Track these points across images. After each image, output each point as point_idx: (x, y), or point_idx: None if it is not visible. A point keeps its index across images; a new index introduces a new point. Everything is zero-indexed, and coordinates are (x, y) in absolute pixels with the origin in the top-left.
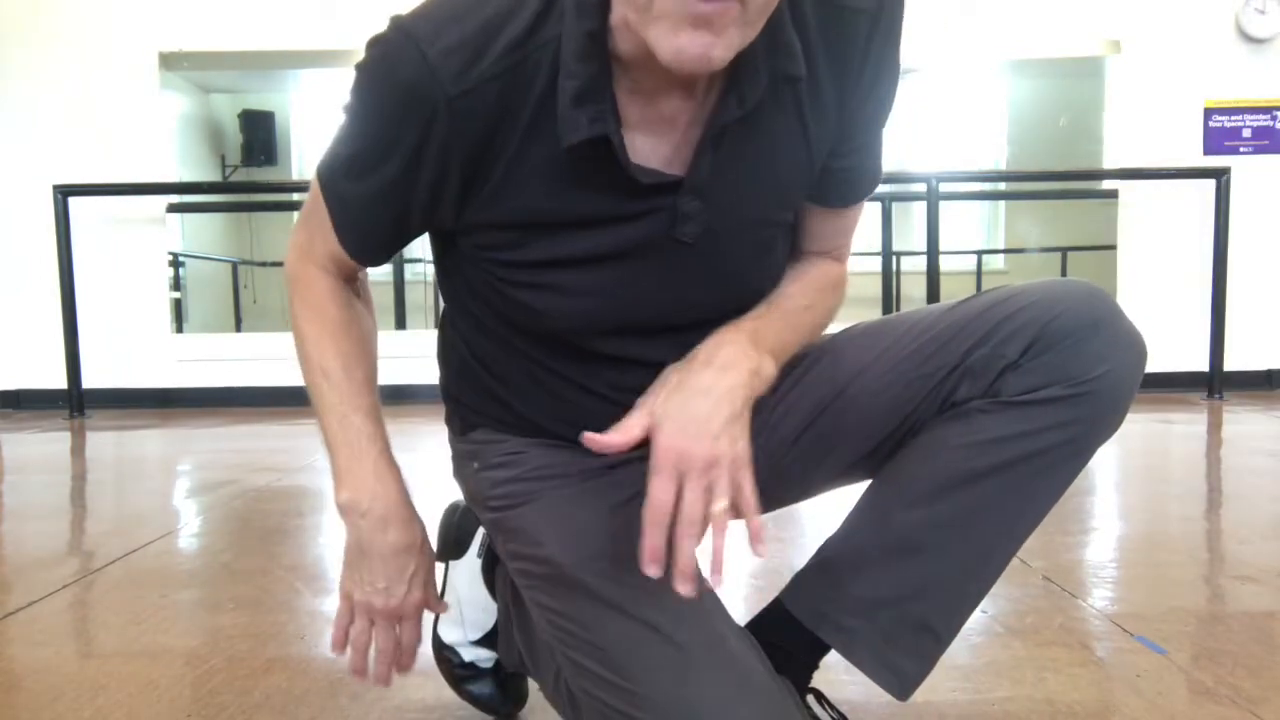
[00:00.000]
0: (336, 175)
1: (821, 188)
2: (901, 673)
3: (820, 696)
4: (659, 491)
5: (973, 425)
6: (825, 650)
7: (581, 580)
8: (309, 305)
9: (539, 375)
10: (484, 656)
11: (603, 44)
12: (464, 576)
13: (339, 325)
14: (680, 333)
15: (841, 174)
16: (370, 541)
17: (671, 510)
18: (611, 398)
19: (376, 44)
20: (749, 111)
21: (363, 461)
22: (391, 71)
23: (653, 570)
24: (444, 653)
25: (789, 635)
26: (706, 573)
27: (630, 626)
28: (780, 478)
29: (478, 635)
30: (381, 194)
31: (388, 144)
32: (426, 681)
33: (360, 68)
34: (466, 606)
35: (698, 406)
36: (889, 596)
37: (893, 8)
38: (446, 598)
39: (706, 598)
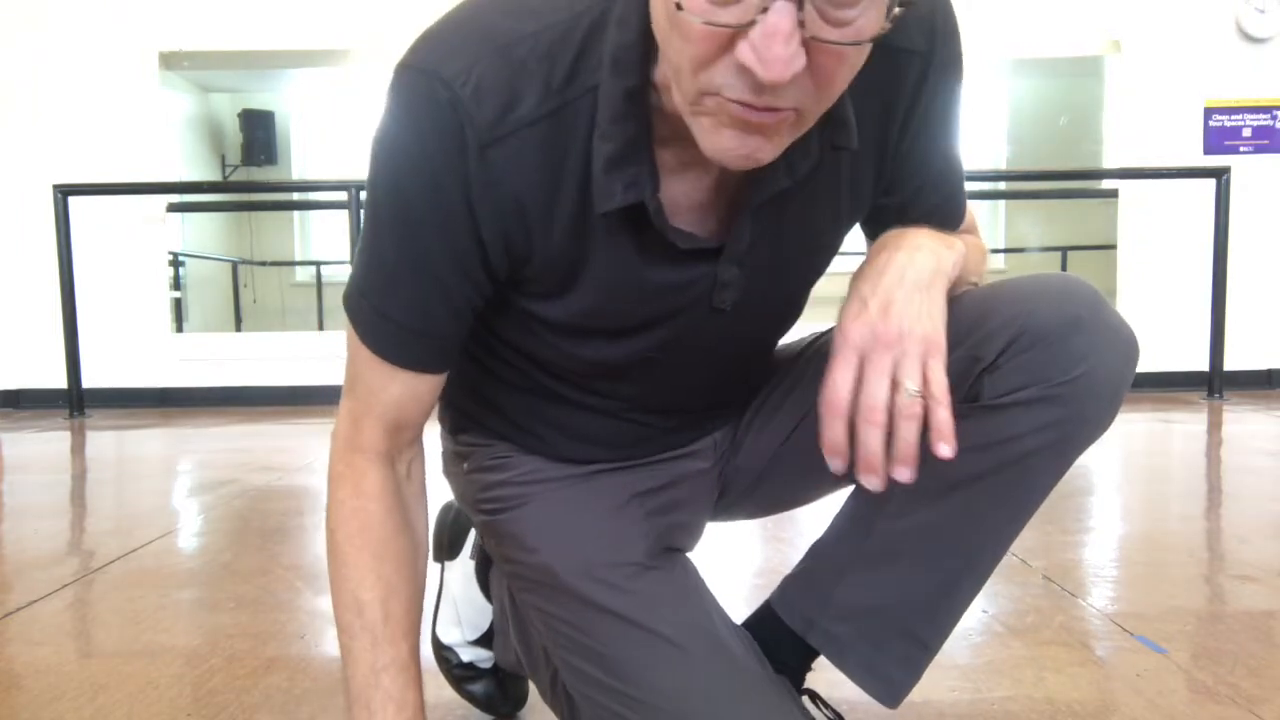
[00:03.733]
0: (376, 280)
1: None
2: (890, 681)
3: (815, 697)
4: (836, 376)
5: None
6: (816, 654)
7: (576, 588)
8: (350, 513)
9: (539, 391)
10: (483, 656)
11: (642, 101)
12: (458, 577)
13: (382, 539)
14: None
15: (899, 219)
16: None
17: (850, 398)
18: (614, 412)
19: (398, 91)
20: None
21: None
22: (419, 120)
23: (837, 464)
24: (443, 653)
25: (780, 638)
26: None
27: (629, 631)
28: (772, 479)
29: (475, 635)
30: (433, 269)
31: (428, 207)
32: (426, 681)
33: (381, 132)
34: (463, 607)
35: (880, 283)
36: (875, 604)
37: (946, 42)
38: (442, 599)
39: (704, 597)
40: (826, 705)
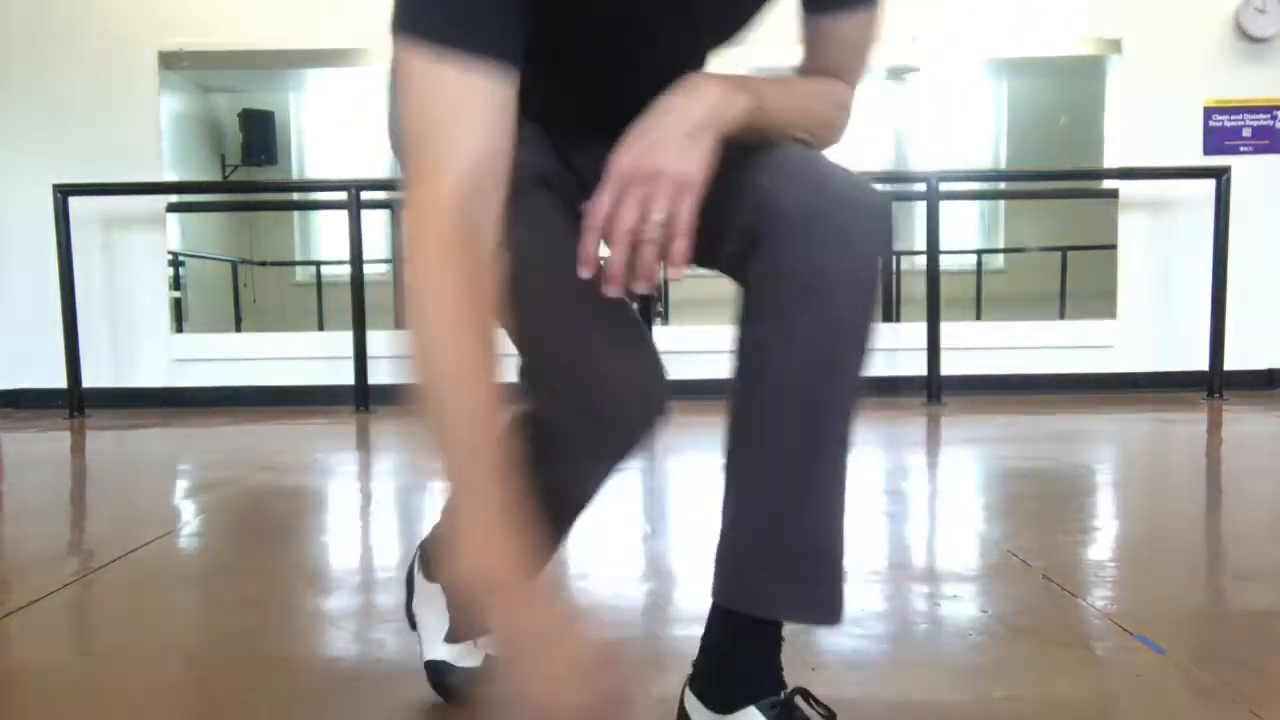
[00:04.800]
0: None
1: None
2: (820, 604)
3: (807, 695)
4: (599, 199)
5: (741, 365)
6: (774, 629)
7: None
8: (438, 296)
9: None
10: (467, 655)
11: None
12: (417, 589)
13: (471, 321)
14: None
15: None
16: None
17: (607, 219)
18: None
19: None
20: None
21: (491, 518)
22: None
23: (584, 271)
24: (440, 674)
25: (730, 626)
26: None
27: (541, 276)
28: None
29: (444, 630)
30: None
31: None
32: (427, 681)
33: None
34: (428, 611)
35: (654, 124)
36: (771, 543)
37: None
38: (418, 627)
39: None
40: (819, 702)
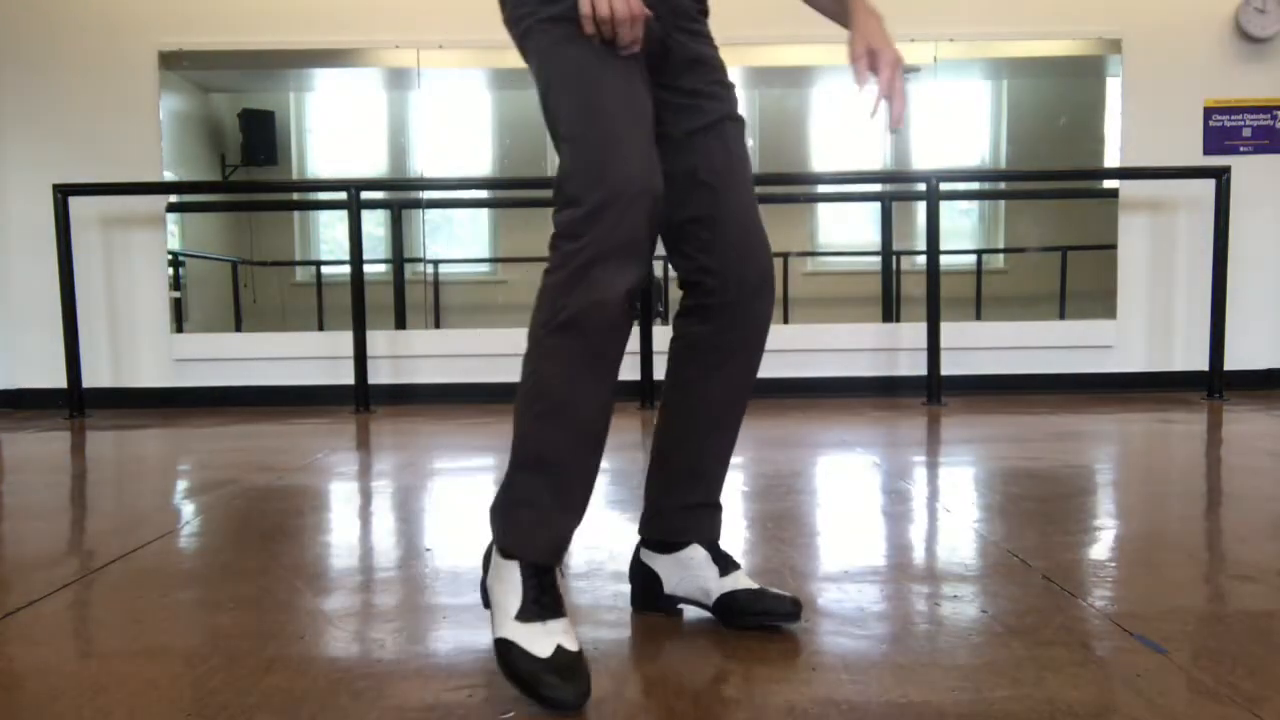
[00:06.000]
0: None
1: None
2: (711, 526)
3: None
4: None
5: (679, 380)
6: (710, 513)
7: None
8: None
9: None
10: (537, 638)
11: None
12: (492, 565)
13: None
14: None
15: None
16: None
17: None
18: None
19: None
20: None
21: None
22: None
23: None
24: (507, 655)
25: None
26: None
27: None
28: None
29: (517, 607)
30: None
31: None
32: (428, 682)
33: None
34: (501, 589)
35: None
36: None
37: None
38: (491, 604)
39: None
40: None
